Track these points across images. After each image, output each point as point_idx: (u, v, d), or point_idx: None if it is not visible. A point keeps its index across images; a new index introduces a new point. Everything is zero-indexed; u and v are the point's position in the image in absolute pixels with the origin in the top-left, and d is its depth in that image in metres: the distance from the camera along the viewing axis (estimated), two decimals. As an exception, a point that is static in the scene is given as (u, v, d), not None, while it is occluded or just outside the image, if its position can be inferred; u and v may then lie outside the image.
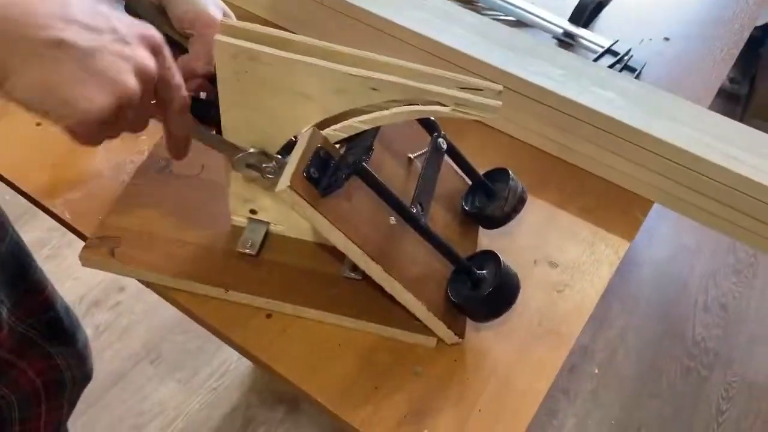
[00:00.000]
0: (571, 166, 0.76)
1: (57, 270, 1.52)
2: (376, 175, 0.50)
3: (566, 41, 0.96)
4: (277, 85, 0.50)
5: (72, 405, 0.90)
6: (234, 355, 1.43)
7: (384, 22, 0.79)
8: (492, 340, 0.59)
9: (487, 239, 0.67)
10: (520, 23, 0.98)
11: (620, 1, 1.06)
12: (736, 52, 0.99)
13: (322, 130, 0.52)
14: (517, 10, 0.98)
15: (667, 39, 0.99)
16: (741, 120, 2.14)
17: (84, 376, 0.89)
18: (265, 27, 0.51)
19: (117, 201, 0.64)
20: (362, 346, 0.57)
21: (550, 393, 1.52)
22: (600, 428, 1.43)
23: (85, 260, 0.60)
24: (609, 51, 0.90)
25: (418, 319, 0.55)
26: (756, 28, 2.26)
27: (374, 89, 0.49)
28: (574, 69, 0.76)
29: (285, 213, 0.60)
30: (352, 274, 0.59)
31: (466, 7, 0.93)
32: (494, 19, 0.97)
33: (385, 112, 0.50)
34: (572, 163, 0.76)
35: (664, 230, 1.84)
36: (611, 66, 0.88)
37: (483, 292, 0.54)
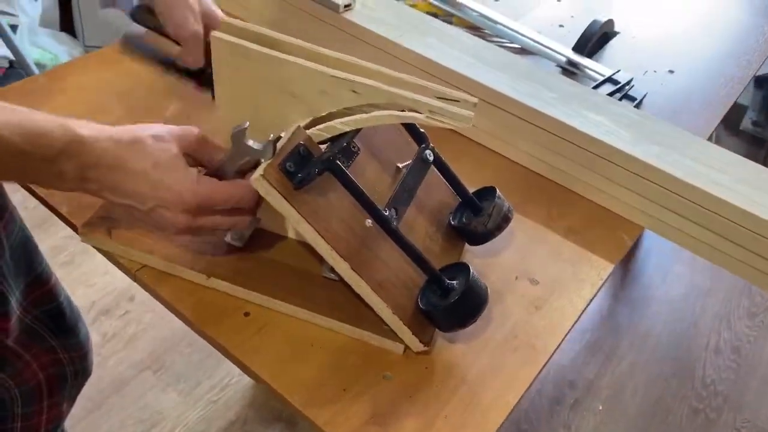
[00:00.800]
0: (560, 187, 0.77)
1: (71, 277, 1.56)
2: (348, 173, 0.52)
3: (570, 69, 0.97)
4: (267, 83, 0.53)
5: (71, 402, 0.91)
6: (235, 370, 1.44)
7: (384, 41, 0.81)
8: (465, 350, 0.60)
9: (471, 255, 0.67)
10: (525, 51, 1.00)
11: (628, 33, 1.07)
12: (741, 88, 0.99)
13: (308, 129, 0.54)
14: (522, 38, 1.00)
15: (671, 71, 1.00)
16: (764, 163, 2.12)
17: (84, 370, 0.90)
18: (260, 27, 0.54)
19: None
20: (334, 348, 0.58)
21: (552, 427, 1.49)
22: (601, 466, 1.40)
23: (84, 236, 0.64)
24: (609, 80, 0.91)
25: (387, 324, 0.56)
26: (780, 71, 2.25)
27: (354, 92, 0.52)
28: (567, 93, 0.77)
29: (268, 209, 0.61)
30: (331, 275, 0.61)
31: (474, 34, 0.96)
32: (500, 46, 0.99)
33: (365, 116, 0.52)
34: (561, 184, 0.77)
35: (678, 269, 1.81)
36: (611, 94, 0.89)
37: (449, 300, 0.55)
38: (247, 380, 1.44)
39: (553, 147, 0.74)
